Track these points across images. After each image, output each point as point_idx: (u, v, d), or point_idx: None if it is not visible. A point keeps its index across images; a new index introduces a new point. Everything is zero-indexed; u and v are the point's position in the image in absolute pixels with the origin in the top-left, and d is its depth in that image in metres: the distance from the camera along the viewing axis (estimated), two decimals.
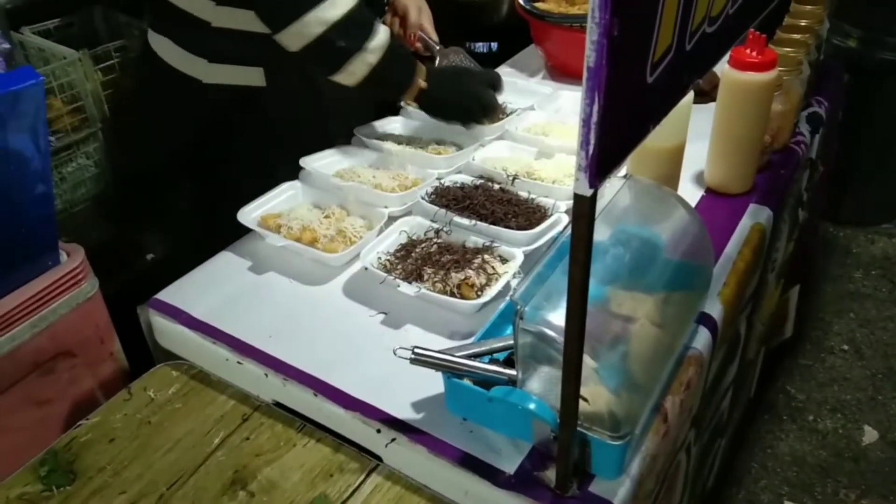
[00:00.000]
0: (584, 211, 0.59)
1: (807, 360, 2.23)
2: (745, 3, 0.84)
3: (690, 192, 1.28)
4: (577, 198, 0.58)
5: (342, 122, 1.40)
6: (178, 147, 1.38)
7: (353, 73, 1.18)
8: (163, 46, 1.31)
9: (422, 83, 1.29)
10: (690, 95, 1.14)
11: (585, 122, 0.54)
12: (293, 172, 1.28)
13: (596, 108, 0.53)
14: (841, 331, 2.34)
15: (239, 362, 0.99)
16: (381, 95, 1.33)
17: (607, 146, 0.56)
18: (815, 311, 2.41)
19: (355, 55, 1.16)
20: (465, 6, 1.98)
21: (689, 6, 0.65)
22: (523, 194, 1.21)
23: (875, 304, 2.44)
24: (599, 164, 0.56)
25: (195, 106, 1.32)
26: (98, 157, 1.84)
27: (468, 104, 1.34)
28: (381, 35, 1.19)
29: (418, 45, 1.52)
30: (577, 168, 0.56)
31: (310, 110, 1.37)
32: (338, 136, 1.36)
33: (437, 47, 1.50)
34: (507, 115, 1.46)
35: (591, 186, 0.57)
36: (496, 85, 1.39)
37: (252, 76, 1.28)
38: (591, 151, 0.55)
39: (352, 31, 1.15)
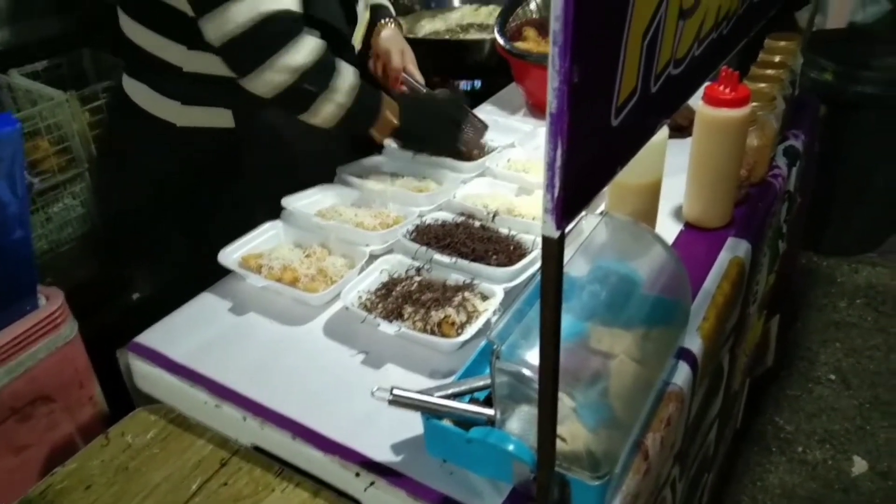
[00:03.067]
0: (552, 252, 0.59)
1: (794, 391, 2.23)
2: (712, 44, 0.86)
3: (669, 227, 1.29)
4: (546, 240, 0.59)
5: (317, 164, 1.41)
6: (158, 188, 1.39)
7: (318, 113, 1.23)
8: (137, 91, 1.33)
9: (394, 120, 1.32)
10: (665, 132, 1.15)
11: (550, 166, 0.55)
12: (272, 214, 1.28)
13: (559, 152, 0.54)
14: (827, 360, 2.34)
15: (217, 405, 0.98)
16: (351, 132, 1.37)
17: (573, 188, 0.57)
18: (801, 341, 2.41)
19: (321, 97, 1.21)
20: (449, 46, 2.01)
21: (652, 50, 0.66)
22: (504, 231, 1.22)
23: (860, 333, 2.45)
24: (565, 206, 0.56)
25: (170, 149, 1.34)
26: (84, 197, 1.85)
27: (439, 136, 1.40)
28: (347, 76, 1.23)
29: (403, 87, 1.51)
30: (544, 210, 0.57)
31: (281, 152, 1.39)
32: (314, 178, 1.38)
33: (424, 90, 1.50)
34: (487, 153, 1.48)
35: (557, 228, 0.57)
36: (461, 119, 1.42)
37: (222, 118, 1.31)
38: (556, 194, 0.56)
39: (317, 74, 1.19)
